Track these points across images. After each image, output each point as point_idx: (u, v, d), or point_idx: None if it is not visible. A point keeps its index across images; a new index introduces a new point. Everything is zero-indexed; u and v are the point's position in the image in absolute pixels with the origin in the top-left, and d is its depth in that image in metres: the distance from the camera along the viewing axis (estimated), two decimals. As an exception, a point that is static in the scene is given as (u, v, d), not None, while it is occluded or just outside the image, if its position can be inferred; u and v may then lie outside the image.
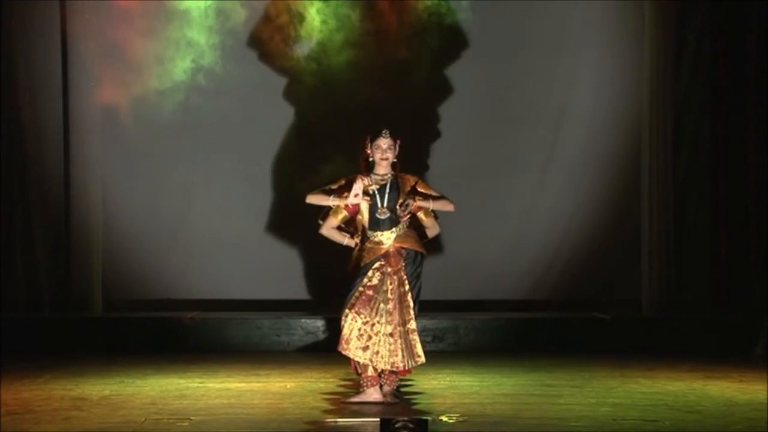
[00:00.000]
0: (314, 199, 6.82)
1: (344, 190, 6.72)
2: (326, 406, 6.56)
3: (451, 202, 6.81)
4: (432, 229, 6.88)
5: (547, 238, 10.25)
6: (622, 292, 10.16)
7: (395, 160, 6.76)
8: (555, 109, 10.28)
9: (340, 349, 6.64)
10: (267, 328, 9.39)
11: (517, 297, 10.23)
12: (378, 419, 5.63)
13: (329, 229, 6.89)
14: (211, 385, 7.39)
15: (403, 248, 6.69)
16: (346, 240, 6.87)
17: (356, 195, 6.61)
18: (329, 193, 6.78)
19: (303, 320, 9.42)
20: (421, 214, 6.81)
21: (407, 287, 6.66)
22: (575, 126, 10.27)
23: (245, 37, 10.14)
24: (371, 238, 6.72)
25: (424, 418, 5.61)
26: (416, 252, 6.73)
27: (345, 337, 6.61)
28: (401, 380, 6.95)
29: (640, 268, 10.05)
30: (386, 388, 6.69)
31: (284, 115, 10.23)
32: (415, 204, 6.68)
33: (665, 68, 9.98)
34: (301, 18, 10.09)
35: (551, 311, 10.00)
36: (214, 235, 10.17)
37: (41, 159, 9.93)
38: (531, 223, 10.28)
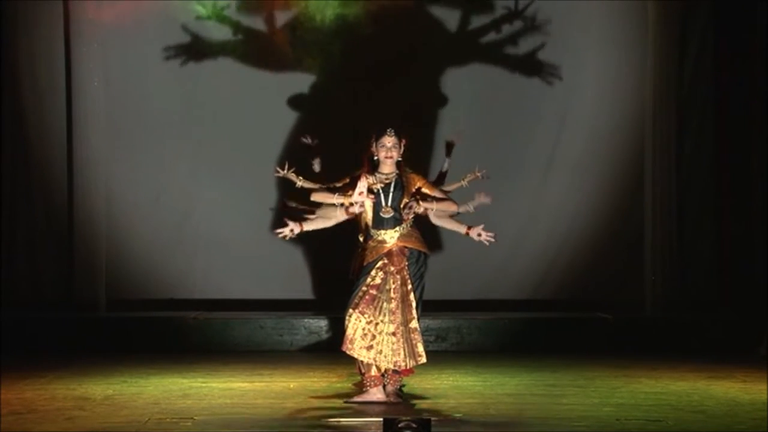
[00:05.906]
0: (319, 198, 6.81)
1: (348, 188, 6.71)
2: (329, 405, 6.56)
3: (455, 203, 6.82)
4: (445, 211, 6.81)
5: (550, 238, 10.25)
6: (626, 292, 10.14)
7: (400, 159, 6.75)
8: (557, 109, 10.27)
9: (343, 348, 6.63)
10: (270, 328, 9.39)
11: (520, 297, 10.22)
12: (381, 419, 5.62)
13: (319, 194, 6.81)
14: (214, 384, 7.39)
15: (406, 247, 6.69)
16: (335, 198, 6.71)
17: (360, 193, 6.60)
18: (333, 191, 6.77)
19: (306, 320, 9.43)
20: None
21: (410, 286, 6.66)
22: (578, 126, 10.26)
23: (247, 36, 10.14)
24: (375, 237, 6.71)
25: (427, 417, 5.61)
26: (419, 252, 6.73)
27: (349, 336, 6.61)
28: (403, 380, 6.95)
29: (644, 268, 10.03)
30: (389, 388, 6.69)
31: (287, 115, 10.22)
32: (418, 207, 6.68)
33: (668, 68, 9.97)
34: (304, 19, 10.11)
35: (554, 311, 9.98)
36: (218, 235, 10.17)
37: (45, 159, 9.93)
38: (534, 222, 10.28)
